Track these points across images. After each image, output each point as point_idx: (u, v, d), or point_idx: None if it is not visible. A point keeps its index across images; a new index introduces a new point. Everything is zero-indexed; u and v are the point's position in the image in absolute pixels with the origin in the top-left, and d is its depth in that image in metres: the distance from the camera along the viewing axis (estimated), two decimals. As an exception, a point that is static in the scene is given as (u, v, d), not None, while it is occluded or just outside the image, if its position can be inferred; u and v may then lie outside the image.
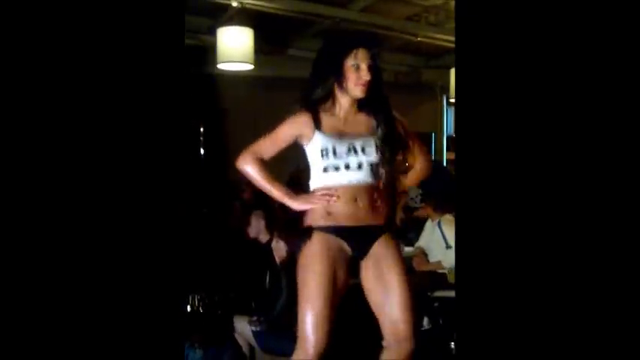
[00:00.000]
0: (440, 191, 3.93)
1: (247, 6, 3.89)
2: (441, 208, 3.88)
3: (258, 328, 2.65)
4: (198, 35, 4.33)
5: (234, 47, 3.75)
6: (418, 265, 3.85)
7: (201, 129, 5.07)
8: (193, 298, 2.98)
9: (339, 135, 1.79)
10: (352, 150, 1.76)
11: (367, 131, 1.81)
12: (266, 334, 2.65)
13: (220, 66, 3.87)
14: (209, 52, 3.97)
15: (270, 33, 4.41)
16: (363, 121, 1.83)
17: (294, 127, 1.84)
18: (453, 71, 4.62)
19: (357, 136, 1.79)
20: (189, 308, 2.97)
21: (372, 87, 1.78)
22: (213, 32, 3.98)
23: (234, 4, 3.85)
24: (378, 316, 1.76)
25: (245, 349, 2.78)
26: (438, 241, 3.76)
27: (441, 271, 3.72)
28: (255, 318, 2.68)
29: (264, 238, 2.99)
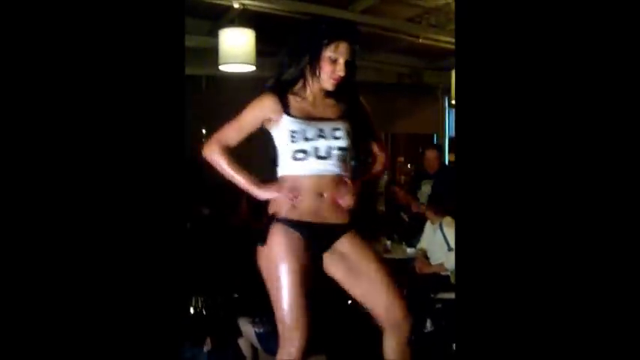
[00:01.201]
0: (448, 193, 3.93)
1: (248, 7, 3.89)
2: (442, 211, 3.88)
3: (261, 330, 2.65)
4: (199, 37, 4.33)
5: (236, 48, 3.75)
6: (420, 268, 3.85)
7: (203, 131, 5.07)
8: (196, 300, 2.98)
9: (308, 118, 1.75)
10: (320, 133, 1.72)
11: (336, 116, 1.77)
12: (269, 336, 2.64)
13: (222, 67, 3.87)
14: (211, 54, 3.97)
15: (271, 34, 4.41)
16: (332, 105, 1.79)
17: (259, 110, 1.79)
18: (454, 73, 4.62)
19: (327, 119, 1.76)
20: (192, 310, 2.97)
21: (344, 80, 1.75)
22: (214, 34, 3.98)
23: (236, 5, 3.86)
24: (368, 307, 1.75)
25: (248, 350, 2.77)
26: (440, 244, 3.75)
27: (443, 273, 3.72)
28: (258, 319, 2.68)
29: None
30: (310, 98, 1.78)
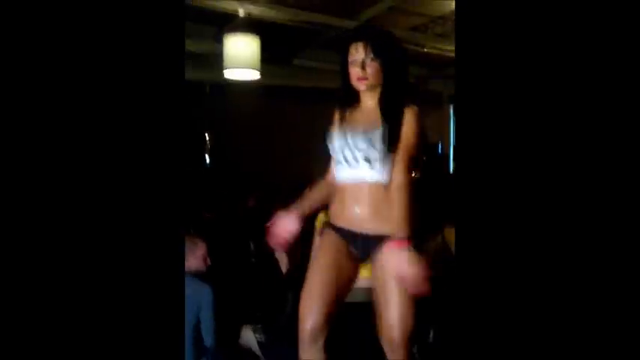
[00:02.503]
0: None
1: (254, 15, 3.91)
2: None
3: (262, 338, 2.65)
4: (204, 43, 4.35)
5: (241, 53, 3.77)
6: None
7: (207, 137, 5.09)
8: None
9: (346, 128, 1.80)
10: (344, 143, 1.76)
11: (370, 124, 1.76)
12: (271, 344, 2.64)
13: (227, 72, 3.89)
14: (216, 60, 3.98)
15: (276, 43, 4.43)
16: (373, 113, 1.79)
17: (332, 128, 1.87)
18: (458, 81, 4.62)
19: (362, 129, 1.76)
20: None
21: (385, 80, 1.76)
22: (220, 40, 4.00)
23: (241, 13, 3.87)
24: (377, 320, 1.77)
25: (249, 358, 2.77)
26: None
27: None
28: (260, 327, 2.67)
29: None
30: (361, 107, 1.83)
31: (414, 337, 1.77)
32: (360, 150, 1.74)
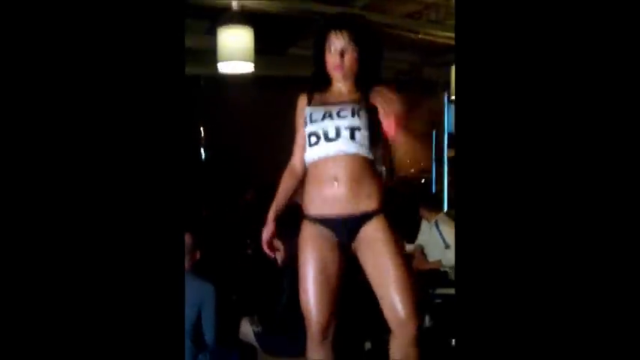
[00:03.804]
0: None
1: (247, 6, 3.88)
2: (435, 208, 3.88)
3: (259, 329, 2.66)
4: (198, 37, 4.32)
5: (235, 46, 3.74)
6: (417, 265, 3.85)
7: (202, 130, 5.07)
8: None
9: (322, 105, 1.81)
10: (327, 115, 1.75)
11: (349, 99, 1.79)
12: (267, 335, 2.65)
13: (221, 65, 3.87)
14: (209, 54, 3.96)
15: (269, 33, 4.40)
16: (352, 93, 1.82)
17: (298, 112, 1.88)
18: (454, 68, 4.61)
19: (338, 103, 1.79)
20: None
21: (359, 68, 1.77)
22: (213, 34, 3.98)
23: (234, 6, 3.85)
24: (380, 302, 1.73)
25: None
26: (436, 241, 3.75)
27: (441, 269, 3.72)
28: (256, 318, 2.68)
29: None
30: (334, 90, 1.83)
31: (422, 308, 1.76)
32: (343, 118, 1.73)
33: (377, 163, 1.79)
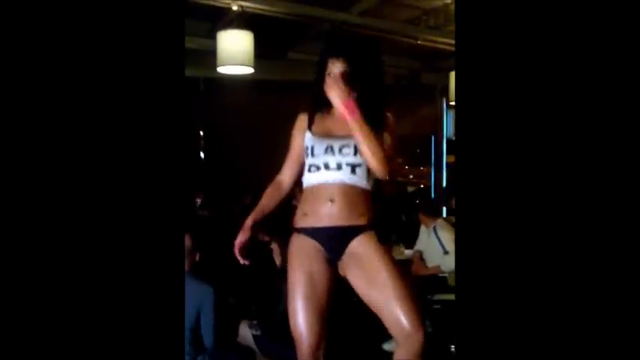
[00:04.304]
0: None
1: (247, 9, 3.89)
2: (434, 214, 3.88)
3: (258, 332, 2.65)
4: (198, 39, 4.33)
5: (234, 50, 3.75)
6: (416, 270, 3.84)
7: (201, 133, 5.07)
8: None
9: (325, 135, 1.81)
10: (330, 150, 1.76)
11: (351, 133, 1.76)
12: (266, 339, 2.64)
13: (220, 69, 3.87)
14: (209, 56, 3.97)
15: (269, 37, 4.41)
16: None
17: (297, 131, 1.88)
18: (452, 74, 4.63)
19: (340, 137, 1.78)
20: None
21: (362, 90, 1.75)
22: (213, 36, 3.98)
23: (235, 7, 3.86)
24: (380, 317, 1.71)
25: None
26: (435, 247, 3.74)
27: (440, 274, 3.71)
28: (255, 322, 2.68)
29: (265, 239, 2.99)
30: (334, 114, 1.81)
31: (425, 320, 1.71)
32: (345, 156, 1.75)
33: (373, 189, 1.82)
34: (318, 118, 1.85)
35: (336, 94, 1.71)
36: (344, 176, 1.75)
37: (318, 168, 1.77)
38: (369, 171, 1.77)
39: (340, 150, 1.76)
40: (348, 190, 1.76)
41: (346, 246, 1.76)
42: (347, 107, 1.70)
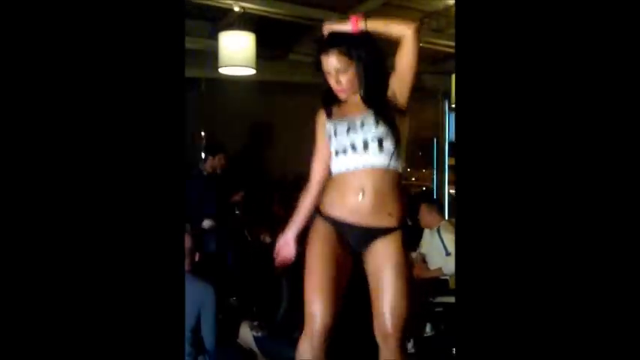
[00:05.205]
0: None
1: (249, 10, 3.90)
2: (438, 216, 3.87)
3: (259, 334, 2.64)
4: (199, 40, 4.33)
5: (236, 52, 3.75)
6: (418, 273, 3.83)
7: (203, 133, 5.07)
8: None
9: (343, 116, 1.79)
10: (352, 128, 1.74)
11: (367, 111, 1.75)
12: (267, 340, 2.64)
13: (222, 70, 3.87)
14: (210, 56, 3.96)
15: (271, 38, 4.41)
16: (365, 106, 1.78)
17: (319, 128, 1.86)
18: (454, 77, 4.62)
19: (359, 114, 1.76)
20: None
21: (362, 81, 1.74)
22: (214, 37, 3.98)
23: (236, 8, 3.86)
24: (373, 312, 1.75)
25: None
26: (438, 249, 3.74)
27: (442, 277, 3.70)
28: (256, 323, 2.67)
29: (267, 240, 2.99)
30: (348, 101, 1.81)
31: (409, 329, 1.75)
32: (368, 131, 1.72)
33: (403, 175, 1.80)
34: (334, 107, 1.83)
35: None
36: (373, 158, 1.72)
37: (344, 151, 1.74)
38: (397, 145, 1.73)
39: (362, 125, 1.73)
40: (379, 178, 1.72)
41: (370, 243, 1.76)
42: (353, 22, 1.73)
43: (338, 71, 1.73)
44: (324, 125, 1.83)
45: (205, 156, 4.45)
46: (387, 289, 1.71)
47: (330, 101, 1.83)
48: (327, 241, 1.75)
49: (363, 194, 1.72)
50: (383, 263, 1.74)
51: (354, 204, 1.73)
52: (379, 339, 1.73)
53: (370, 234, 1.76)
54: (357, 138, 1.72)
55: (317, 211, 1.81)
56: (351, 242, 1.78)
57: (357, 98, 1.79)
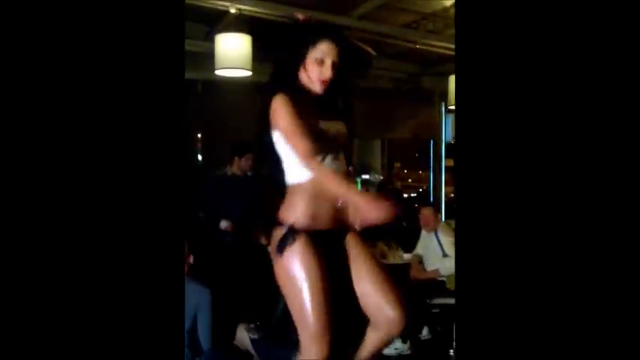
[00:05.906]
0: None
1: (245, 12, 3.89)
2: (436, 217, 3.87)
3: (256, 336, 2.64)
4: (195, 42, 4.33)
5: (233, 53, 3.74)
6: (414, 274, 3.83)
7: (199, 135, 5.07)
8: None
9: (313, 118, 1.68)
10: (328, 133, 1.70)
11: (333, 116, 1.74)
12: (264, 342, 2.63)
13: (218, 72, 3.87)
14: (207, 58, 3.96)
15: (267, 40, 4.41)
16: (328, 105, 1.75)
17: (289, 110, 1.67)
18: (451, 78, 4.63)
19: (328, 120, 1.72)
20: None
21: (333, 85, 1.71)
22: (211, 39, 3.98)
23: (233, 10, 3.86)
24: (364, 308, 1.71)
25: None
26: (435, 250, 3.74)
27: (439, 278, 3.71)
28: (253, 325, 2.67)
29: (264, 241, 2.99)
30: (308, 99, 1.71)
31: (408, 301, 1.73)
32: (332, 139, 1.70)
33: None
34: (297, 100, 1.68)
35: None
36: (342, 165, 1.74)
37: (321, 155, 1.67)
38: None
39: (335, 133, 1.73)
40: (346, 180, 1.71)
41: (340, 244, 1.75)
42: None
43: (334, 64, 1.69)
44: (294, 110, 1.65)
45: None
46: (373, 277, 1.71)
47: (288, 90, 1.68)
48: (315, 259, 1.65)
49: (338, 200, 1.69)
50: (359, 256, 1.74)
51: (333, 211, 1.70)
52: (381, 324, 1.69)
53: (339, 235, 1.75)
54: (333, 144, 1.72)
55: (292, 226, 1.67)
56: (327, 250, 1.69)
57: (322, 100, 1.73)
